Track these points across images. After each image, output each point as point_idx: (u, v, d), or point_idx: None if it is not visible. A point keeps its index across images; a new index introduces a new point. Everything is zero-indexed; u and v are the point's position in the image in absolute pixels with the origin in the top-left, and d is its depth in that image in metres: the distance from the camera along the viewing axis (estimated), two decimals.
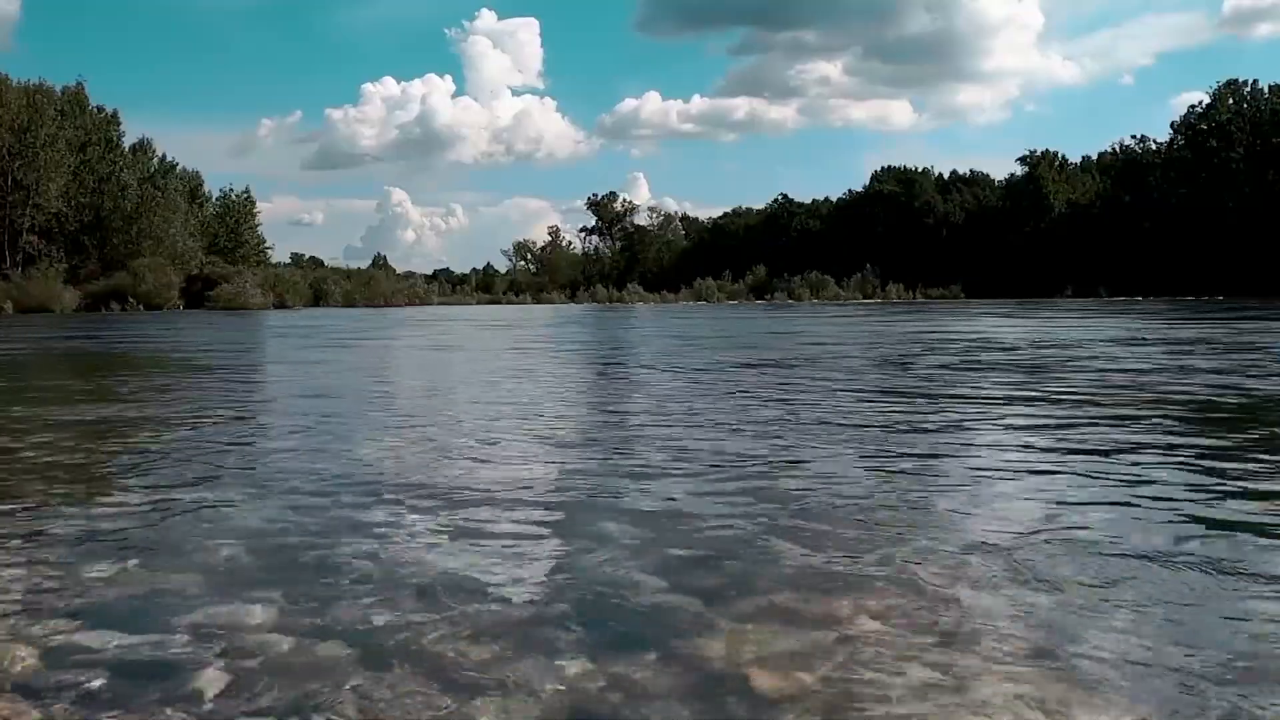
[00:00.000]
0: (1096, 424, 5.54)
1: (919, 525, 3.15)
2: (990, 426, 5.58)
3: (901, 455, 4.51)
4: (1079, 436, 5.07)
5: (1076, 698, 1.84)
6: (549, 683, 1.92)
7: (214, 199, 66.99)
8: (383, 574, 2.63)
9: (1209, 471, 4.02)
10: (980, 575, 2.59)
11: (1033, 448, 4.71)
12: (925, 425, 5.57)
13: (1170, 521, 3.17)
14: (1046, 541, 2.92)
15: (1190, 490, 3.65)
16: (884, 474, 4.06)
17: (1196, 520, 3.19)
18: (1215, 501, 3.47)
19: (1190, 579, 2.53)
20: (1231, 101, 68.83)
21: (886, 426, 5.46)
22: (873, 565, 2.69)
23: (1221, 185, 64.69)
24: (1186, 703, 1.82)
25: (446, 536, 3.04)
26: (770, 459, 4.42)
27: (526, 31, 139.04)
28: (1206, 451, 4.61)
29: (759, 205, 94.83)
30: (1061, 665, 1.99)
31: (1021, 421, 5.67)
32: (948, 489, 3.78)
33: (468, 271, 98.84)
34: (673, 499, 3.56)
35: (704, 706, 1.82)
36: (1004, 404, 6.63)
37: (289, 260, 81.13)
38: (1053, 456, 4.46)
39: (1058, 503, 3.49)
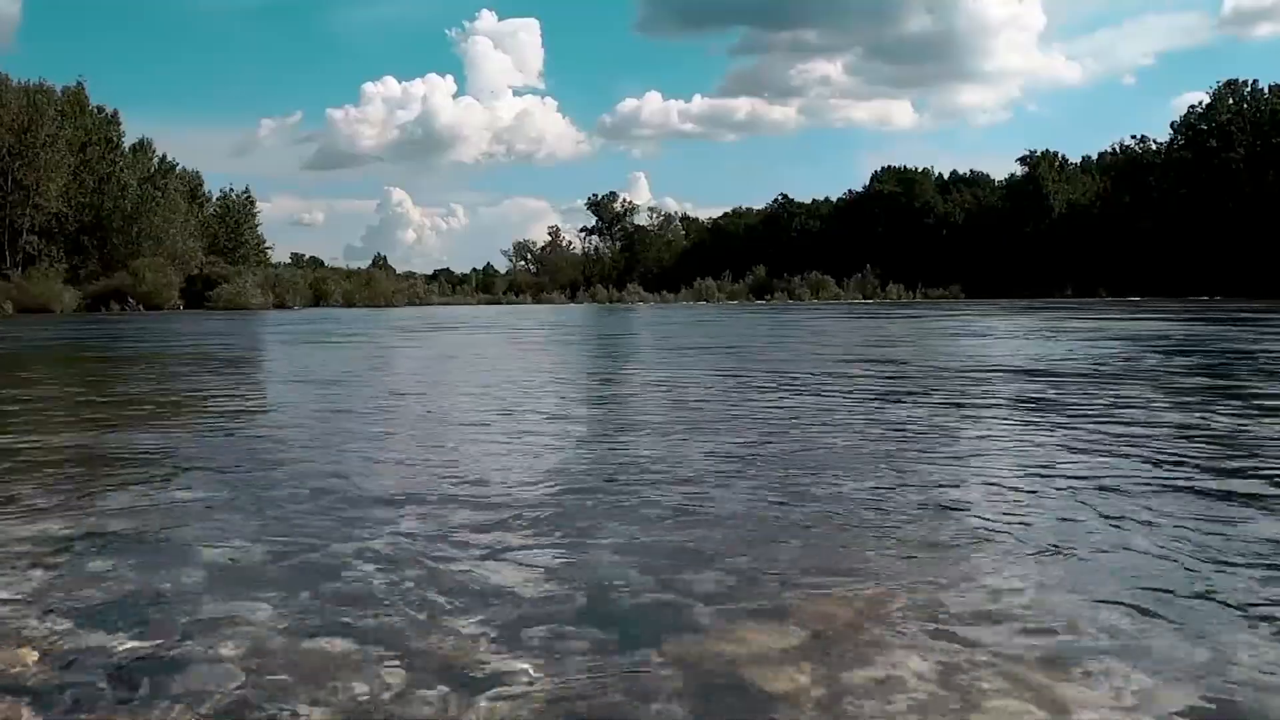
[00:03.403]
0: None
1: (921, 517, 3.15)
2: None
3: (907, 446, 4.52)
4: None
5: (1082, 694, 1.83)
6: (549, 682, 1.91)
7: (214, 199, 66.99)
8: (383, 574, 2.63)
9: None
10: (983, 568, 2.59)
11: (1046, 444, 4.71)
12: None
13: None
14: (1052, 535, 2.92)
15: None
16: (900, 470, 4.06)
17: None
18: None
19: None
20: (1231, 102, 68.84)
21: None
22: (874, 562, 2.69)
23: (1221, 185, 64.70)
24: (1195, 706, 1.82)
25: (447, 536, 3.04)
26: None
27: (527, 32, 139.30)
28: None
29: (759, 205, 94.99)
30: (1068, 662, 1.98)
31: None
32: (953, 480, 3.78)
33: (468, 271, 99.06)
34: (674, 499, 3.56)
35: (705, 706, 1.82)
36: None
37: (289, 260, 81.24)
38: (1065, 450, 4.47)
39: (1066, 496, 3.48)
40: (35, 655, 2.07)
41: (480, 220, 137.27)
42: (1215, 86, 69.54)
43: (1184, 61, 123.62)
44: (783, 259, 78.94)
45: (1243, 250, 60.24)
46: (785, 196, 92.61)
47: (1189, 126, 70.06)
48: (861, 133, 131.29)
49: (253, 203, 68.41)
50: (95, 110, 56.94)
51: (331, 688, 1.90)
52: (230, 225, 64.99)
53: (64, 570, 2.68)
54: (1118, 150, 77.51)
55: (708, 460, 4.34)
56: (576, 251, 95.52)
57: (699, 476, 3.95)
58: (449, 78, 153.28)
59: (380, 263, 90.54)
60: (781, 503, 3.47)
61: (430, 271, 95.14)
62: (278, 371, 11.69)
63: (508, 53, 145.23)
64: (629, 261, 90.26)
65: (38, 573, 2.65)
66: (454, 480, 3.97)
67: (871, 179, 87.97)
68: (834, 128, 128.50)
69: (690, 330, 21.91)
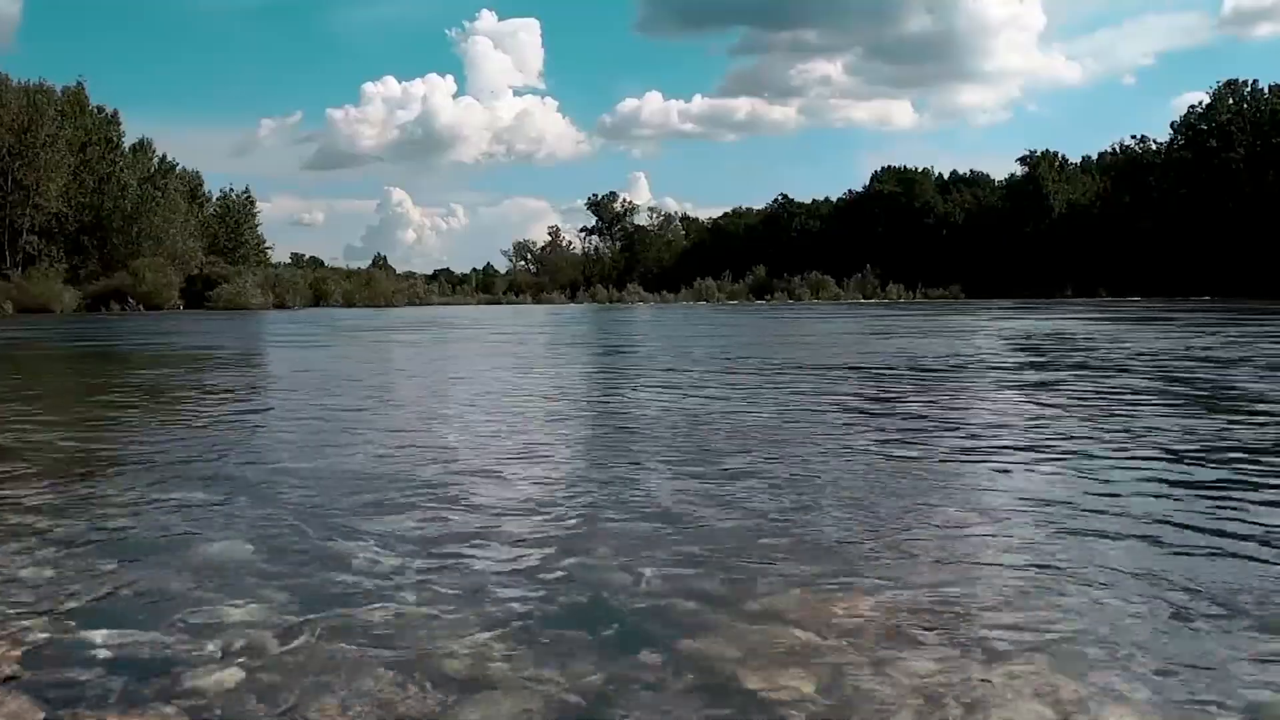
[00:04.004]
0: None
1: (921, 517, 3.16)
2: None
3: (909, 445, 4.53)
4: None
5: (1081, 693, 1.84)
6: (549, 682, 1.92)
7: (214, 199, 66.93)
8: (382, 573, 2.63)
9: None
10: (984, 567, 2.60)
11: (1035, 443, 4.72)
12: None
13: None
14: (1053, 533, 2.93)
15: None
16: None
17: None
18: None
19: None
20: (1231, 102, 68.77)
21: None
22: (874, 561, 2.69)
23: (1221, 185, 64.63)
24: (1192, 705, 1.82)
25: (448, 536, 3.04)
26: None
27: (527, 32, 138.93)
28: None
29: (759, 205, 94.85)
30: (1067, 661, 1.99)
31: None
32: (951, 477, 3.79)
33: (468, 271, 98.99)
34: (674, 497, 3.56)
35: (705, 706, 1.82)
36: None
37: (289, 260, 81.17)
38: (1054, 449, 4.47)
39: (1063, 496, 3.49)
40: (35, 653, 2.07)
41: (480, 220, 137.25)
42: (1215, 86, 69.53)
43: (1184, 61, 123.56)
44: (783, 259, 78.85)
45: (1242, 250, 60.18)
46: (785, 196, 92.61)
47: (1189, 126, 69.97)
48: (861, 133, 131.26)
49: (253, 203, 68.39)
50: (95, 110, 56.88)
51: (329, 688, 1.90)
52: (230, 225, 64.89)
53: (62, 569, 2.68)
54: (1118, 150, 77.43)
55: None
56: (576, 251, 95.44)
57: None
58: (449, 78, 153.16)
59: (380, 263, 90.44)
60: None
61: (430, 271, 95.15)
62: (274, 373, 11.70)
63: (508, 53, 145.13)
64: (629, 261, 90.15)
65: (36, 572, 2.66)
66: (447, 479, 3.98)
67: (871, 179, 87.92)
68: (834, 128, 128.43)
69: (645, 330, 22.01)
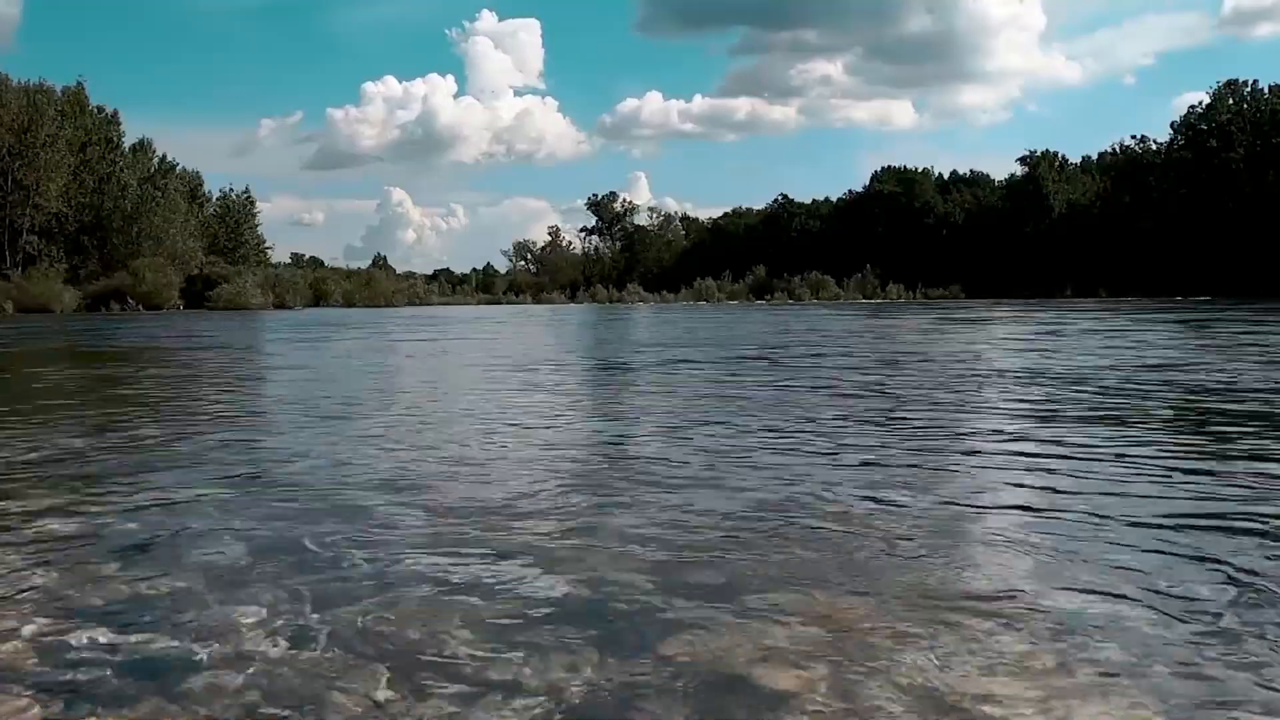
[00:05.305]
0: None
1: (920, 517, 3.15)
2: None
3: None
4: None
5: (1080, 694, 1.84)
6: (549, 682, 1.92)
7: (214, 199, 66.90)
8: (383, 574, 2.63)
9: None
10: (983, 566, 2.59)
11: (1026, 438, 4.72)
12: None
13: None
14: (1050, 531, 2.92)
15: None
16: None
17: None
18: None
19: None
20: (1231, 102, 68.79)
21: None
22: (873, 562, 2.69)
23: (1221, 185, 64.65)
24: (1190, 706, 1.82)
25: (447, 536, 3.04)
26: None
27: (527, 32, 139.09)
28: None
29: (759, 205, 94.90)
30: (1066, 661, 1.98)
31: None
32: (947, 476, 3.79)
33: (468, 271, 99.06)
34: (673, 497, 3.56)
35: (704, 706, 1.82)
36: None
37: (289, 260, 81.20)
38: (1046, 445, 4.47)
39: (1056, 490, 3.49)
40: (35, 653, 2.07)
41: (480, 220, 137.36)
42: (1215, 86, 69.55)
43: (1184, 61, 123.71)
44: (783, 259, 78.86)
45: (1243, 250, 60.19)
46: (785, 196, 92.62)
47: (1189, 126, 69.97)
48: (861, 133, 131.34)
49: (253, 203, 68.35)
50: (95, 110, 56.85)
51: (329, 689, 1.90)
52: (230, 225, 64.85)
53: (63, 569, 2.68)
54: (1118, 150, 77.44)
55: None
56: (576, 251, 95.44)
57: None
58: (449, 78, 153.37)
59: (380, 263, 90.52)
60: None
61: (430, 271, 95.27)
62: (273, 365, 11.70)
63: (508, 53, 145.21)
64: (629, 261, 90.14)
65: (36, 571, 2.65)
66: (448, 476, 3.98)
67: (871, 179, 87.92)
68: (834, 128, 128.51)
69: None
